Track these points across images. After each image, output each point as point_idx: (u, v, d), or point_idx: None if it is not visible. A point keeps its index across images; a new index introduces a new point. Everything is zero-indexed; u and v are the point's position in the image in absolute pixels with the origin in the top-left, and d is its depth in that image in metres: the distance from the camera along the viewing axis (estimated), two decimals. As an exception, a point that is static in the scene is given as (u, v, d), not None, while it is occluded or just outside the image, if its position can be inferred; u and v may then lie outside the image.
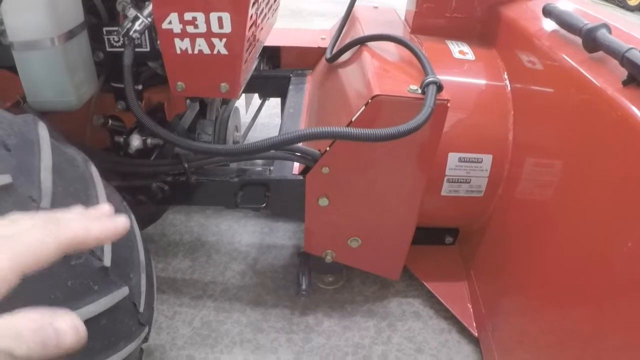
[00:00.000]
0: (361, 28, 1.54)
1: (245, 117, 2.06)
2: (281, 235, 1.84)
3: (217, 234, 1.83)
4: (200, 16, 1.08)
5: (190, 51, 1.13)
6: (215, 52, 1.13)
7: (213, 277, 1.65)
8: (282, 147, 1.17)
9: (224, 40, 1.11)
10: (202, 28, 1.09)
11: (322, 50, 1.79)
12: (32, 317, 0.36)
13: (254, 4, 1.13)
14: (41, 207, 0.82)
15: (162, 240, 1.80)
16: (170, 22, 1.10)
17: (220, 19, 1.08)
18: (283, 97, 1.84)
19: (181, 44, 1.13)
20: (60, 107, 1.17)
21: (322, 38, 1.88)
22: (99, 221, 0.46)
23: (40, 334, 0.35)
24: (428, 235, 1.59)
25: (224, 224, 1.88)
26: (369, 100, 1.12)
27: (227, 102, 1.74)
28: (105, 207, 0.50)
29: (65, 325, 0.36)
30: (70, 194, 0.93)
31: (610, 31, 1.04)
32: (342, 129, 1.07)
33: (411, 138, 1.07)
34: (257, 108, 1.96)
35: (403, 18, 1.78)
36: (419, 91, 1.13)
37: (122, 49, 1.21)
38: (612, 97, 0.94)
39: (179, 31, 1.11)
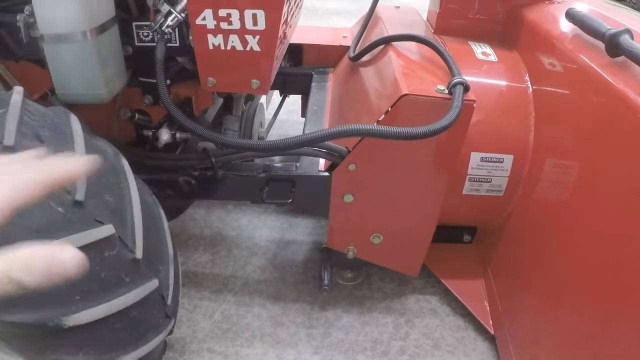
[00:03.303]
0: (384, 28, 1.55)
1: (265, 114, 2.08)
2: (301, 231, 1.86)
3: (238, 229, 1.85)
4: (234, 13, 1.09)
5: (222, 47, 1.15)
6: (248, 48, 1.15)
7: (233, 271, 1.68)
8: (315, 143, 1.18)
9: (258, 37, 1.13)
10: (236, 25, 1.11)
11: (343, 49, 1.80)
12: (38, 249, 0.38)
13: (287, 1, 1.15)
14: (76, 199, 0.84)
15: (183, 234, 1.82)
16: (204, 18, 1.11)
17: (254, 16, 1.09)
18: (304, 94, 1.85)
19: (214, 40, 1.14)
20: (90, 99, 1.18)
21: (343, 36, 1.89)
22: (78, 158, 0.48)
23: (47, 265, 0.37)
24: (447, 233, 1.61)
25: (244, 218, 1.90)
26: (398, 99, 1.14)
27: (251, 98, 1.76)
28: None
29: (69, 255, 0.38)
30: (103, 185, 0.95)
31: (632, 37, 1.06)
32: (374, 127, 1.08)
33: (437, 137, 1.09)
34: (277, 105, 1.98)
35: (424, 18, 1.79)
36: (446, 91, 1.15)
37: (151, 44, 1.23)
38: (633, 101, 0.96)
39: (213, 27, 1.12)
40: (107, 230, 0.87)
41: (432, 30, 1.67)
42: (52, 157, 0.48)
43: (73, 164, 0.47)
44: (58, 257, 0.38)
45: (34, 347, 0.91)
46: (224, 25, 1.12)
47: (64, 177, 0.45)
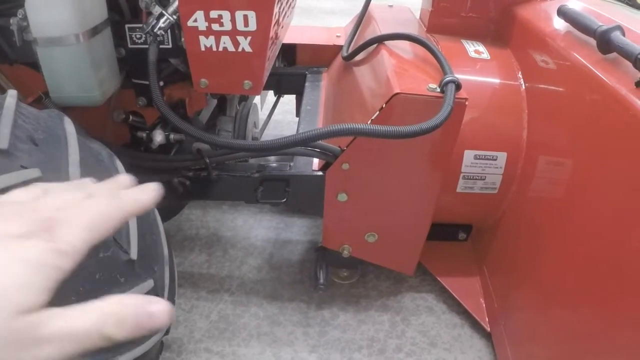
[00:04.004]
0: (377, 27, 1.56)
1: (260, 114, 2.08)
2: (296, 231, 1.87)
3: (233, 229, 1.86)
4: (225, 14, 1.10)
5: (214, 48, 1.15)
6: (239, 49, 1.15)
7: (230, 272, 1.68)
8: (308, 143, 1.19)
9: (249, 38, 1.13)
10: (228, 26, 1.11)
11: (337, 48, 1.81)
12: (129, 304, 0.38)
13: (278, 2, 1.15)
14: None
15: (179, 234, 1.82)
16: (195, 20, 1.11)
17: (246, 17, 1.09)
18: (298, 94, 1.85)
19: (206, 42, 1.15)
20: (84, 102, 1.18)
21: (337, 36, 1.90)
22: (141, 190, 0.48)
23: (138, 320, 0.38)
24: (442, 231, 1.61)
25: (240, 219, 1.91)
26: (390, 98, 1.14)
27: (245, 98, 1.76)
28: (123, 178, 0.52)
29: (159, 308, 0.39)
30: (97, 187, 0.95)
31: (624, 33, 1.06)
32: (366, 126, 1.09)
33: (430, 136, 1.09)
34: (271, 105, 1.98)
35: (417, 17, 1.79)
36: (438, 90, 1.15)
37: (143, 46, 1.23)
38: (625, 97, 0.96)
39: (204, 29, 1.12)
40: (101, 232, 0.87)
41: (425, 29, 1.67)
42: (123, 189, 0.48)
43: (141, 195, 0.47)
44: (148, 311, 0.39)
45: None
46: (215, 27, 1.12)
47: (134, 210, 0.45)
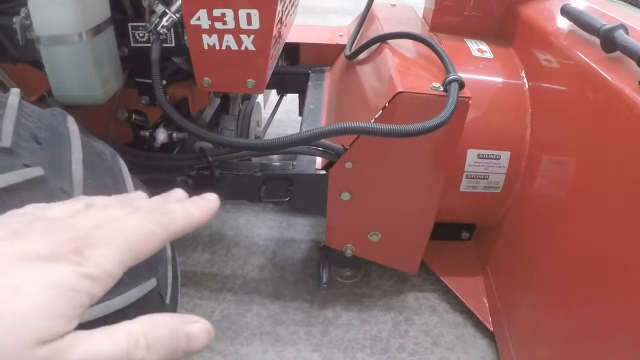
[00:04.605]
0: (380, 25, 1.55)
1: (263, 113, 2.08)
2: (299, 230, 1.87)
3: (236, 228, 1.86)
4: (229, 12, 1.10)
5: (217, 47, 1.15)
6: (242, 48, 1.15)
7: (232, 271, 1.68)
8: (311, 141, 1.18)
9: (252, 36, 1.13)
10: (231, 24, 1.11)
11: (340, 47, 1.81)
12: (163, 326, 0.35)
13: (281, 0, 1.15)
14: (73, 200, 0.84)
15: (181, 233, 1.82)
16: (198, 19, 1.11)
17: (249, 16, 1.09)
18: (301, 93, 1.85)
19: (209, 40, 1.15)
20: (87, 101, 1.19)
21: (340, 35, 1.90)
22: (195, 204, 0.43)
23: (173, 344, 0.35)
24: (445, 231, 1.61)
25: (242, 218, 1.91)
26: (393, 97, 1.14)
27: (248, 97, 1.76)
28: (179, 192, 0.47)
29: (197, 329, 0.36)
30: (100, 187, 0.95)
31: (627, 32, 1.06)
32: (369, 124, 1.08)
33: (433, 134, 1.09)
34: (274, 104, 1.98)
35: (420, 16, 1.79)
36: (441, 88, 1.15)
37: (146, 45, 1.23)
38: (628, 96, 0.96)
39: (207, 27, 1.12)
40: (104, 230, 0.87)
41: (428, 28, 1.67)
42: (176, 202, 0.43)
43: (195, 209, 0.43)
44: (185, 333, 0.35)
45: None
46: (218, 25, 1.12)
47: (185, 227, 0.41)
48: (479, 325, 1.51)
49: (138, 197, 0.46)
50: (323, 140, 1.23)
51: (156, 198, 0.45)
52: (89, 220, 0.37)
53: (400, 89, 1.13)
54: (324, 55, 1.86)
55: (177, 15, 1.16)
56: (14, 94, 0.91)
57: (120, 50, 1.25)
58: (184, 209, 0.42)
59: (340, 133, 1.12)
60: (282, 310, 1.55)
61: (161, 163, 1.36)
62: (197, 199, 0.44)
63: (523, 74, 1.46)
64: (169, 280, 1.09)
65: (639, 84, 0.95)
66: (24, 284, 0.31)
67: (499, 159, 1.38)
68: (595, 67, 1.10)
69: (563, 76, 1.26)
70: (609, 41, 1.07)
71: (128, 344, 0.33)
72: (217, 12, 1.10)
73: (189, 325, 0.36)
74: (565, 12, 1.29)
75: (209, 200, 0.44)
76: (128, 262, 0.35)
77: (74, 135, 0.95)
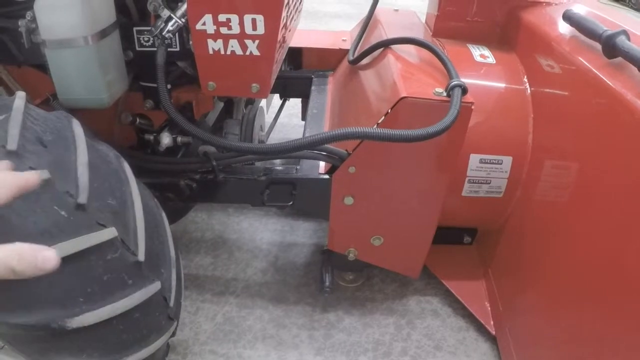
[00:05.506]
0: (383, 31, 1.56)
1: (265, 117, 2.09)
2: (302, 234, 1.87)
3: (239, 232, 1.86)
4: (234, 18, 1.10)
5: (222, 52, 1.16)
6: (247, 53, 1.15)
7: (235, 274, 1.68)
8: (315, 146, 1.19)
9: (257, 41, 1.13)
10: (236, 29, 1.12)
11: (343, 52, 1.82)
12: (27, 246, 0.52)
13: (286, 6, 1.16)
14: (79, 203, 0.85)
15: (184, 237, 1.83)
16: (204, 24, 1.12)
17: (254, 21, 1.10)
18: (304, 97, 1.86)
19: (214, 45, 1.15)
20: (92, 104, 1.19)
21: (343, 40, 1.90)
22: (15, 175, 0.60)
23: (33, 257, 0.51)
24: (447, 235, 1.62)
25: (245, 221, 1.91)
26: (396, 102, 1.15)
27: (252, 102, 1.77)
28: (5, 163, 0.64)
29: (50, 254, 0.52)
30: (105, 189, 0.95)
31: (629, 38, 1.06)
32: (373, 129, 1.09)
33: (436, 139, 1.09)
34: (277, 108, 1.99)
35: (423, 21, 1.80)
36: (444, 94, 1.16)
37: (151, 49, 1.23)
38: (630, 102, 0.96)
39: (213, 32, 1.13)
40: (109, 233, 0.88)
41: (431, 33, 1.68)
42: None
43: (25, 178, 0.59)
44: (42, 254, 0.52)
45: (37, 349, 0.92)
46: (223, 30, 1.13)
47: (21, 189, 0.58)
48: (481, 329, 1.51)
49: None
50: (327, 145, 1.24)
51: None
52: None
53: (403, 94, 1.14)
54: (326, 59, 1.87)
55: (183, 20, 1.17)
56: (20, 97, 0.92)
57: (125, 54, 1.25)
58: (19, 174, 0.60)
59: (344, 138, 1.12)
60: (284, 313, 1.55)
61: (165, 167, 1.37)
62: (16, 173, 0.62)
63: (525, 80, 1.47)
64: (173, 283, 1.10)
65: None
66: None
67: (501, 163, 1.39)
68: (597, 72, 1.10)
69: (565, 82, 1.27)
70: (611, 47, 1.07)
71: (6, 254, 0.51)
72: (222, 17, 1.11)
73: (45, 250, 0.53)
74: (567, 17, 1.30)
75: (28, 175, 0.62)
76: None
77: (79, 139, 0.96)
